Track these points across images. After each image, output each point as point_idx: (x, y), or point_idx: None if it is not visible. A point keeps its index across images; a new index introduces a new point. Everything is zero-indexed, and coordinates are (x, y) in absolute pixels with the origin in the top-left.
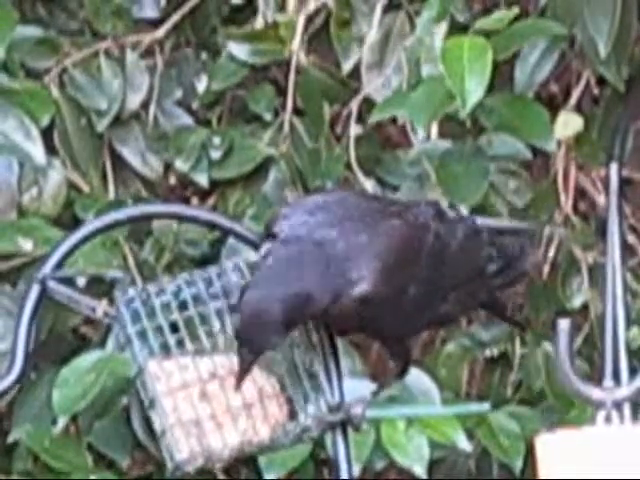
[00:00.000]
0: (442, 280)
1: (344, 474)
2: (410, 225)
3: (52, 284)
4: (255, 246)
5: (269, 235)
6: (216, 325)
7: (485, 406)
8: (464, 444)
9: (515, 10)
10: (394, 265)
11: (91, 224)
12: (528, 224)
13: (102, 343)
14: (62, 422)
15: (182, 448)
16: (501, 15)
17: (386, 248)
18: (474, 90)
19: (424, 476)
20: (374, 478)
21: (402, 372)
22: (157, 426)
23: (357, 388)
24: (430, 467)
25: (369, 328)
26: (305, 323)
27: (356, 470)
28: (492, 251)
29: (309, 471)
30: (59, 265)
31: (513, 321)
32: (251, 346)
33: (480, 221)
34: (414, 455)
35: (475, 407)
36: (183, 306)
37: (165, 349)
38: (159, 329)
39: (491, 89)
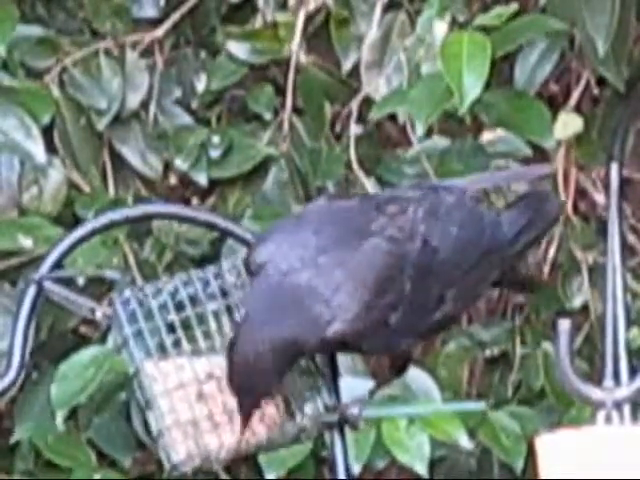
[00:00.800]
0: (433, 286)
1: (342, 474)
2: (393, 241)
3: (48, 284)
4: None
5: (248, 270)
6: (213, 326)
7: (482, 404)
8: (465, 442)
9: (514, 6)
10: (372, 297)
11: (88, 225)
12: (529, 169)
13: (102, 340)
14: (61, 416)
15: (179, 449)
16: (500, 11)
17: (362, 282)
18: (472, 86)
19: (425, 474)
20: (375, 477)
21: (400, 370)
22: (154, 427)
23: (356, 387)
24: (431, 466)
25: (358, 352)
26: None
27: (357, 469)
28: (501, 216)
29: (309, 470)
30: (57, 265)
31: (530, 281)
32: (248, 395)
33: (476, 185)
34: (415, 453)
35: (472, 405)
36: (180, 307)
37: (162, 350)
38: (156, 330)
39: (490, 86)
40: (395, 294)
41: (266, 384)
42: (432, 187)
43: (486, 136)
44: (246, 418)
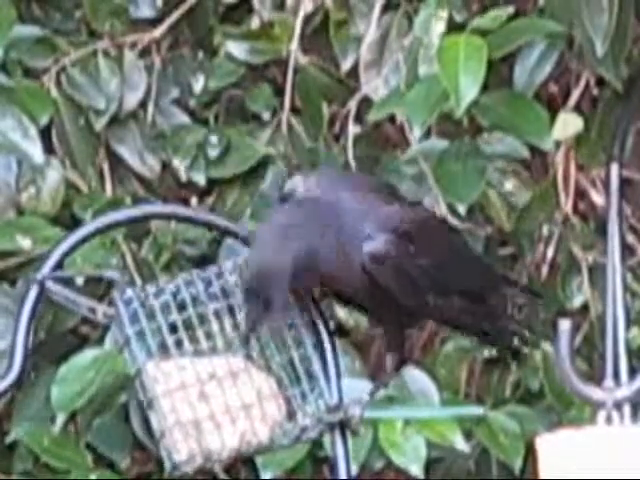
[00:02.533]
0: (449, 277)
1: (342, 474)
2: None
3: (50, 285)
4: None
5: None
6: (215, 326)
7: (480, 409)
8: (461, 445)
9: (511, 8)
10: (409, 233)
11: (89, 225)
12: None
13: (101, 341)
14: (61, 419)
15: (181, 449)
16: (497, 14)
17: (405, 216)
18: (469, 89)
19: (421, 476)
20: (373, 477)
21: (398, 366)
22: (156, 427)
23: (356, 388)
24: (429, 466)
25: (376, 299)
26: (312, 284)
27: (354, 469)
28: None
29: (307, 470)
30: (58, 266)
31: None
32: (258, 300)
33: None
34: (411, 455)
35: (472, 409)
36: (182, 307)
37: (164, 350)
38: (158, 330)
39: (488, 88)
40: (424, 251)
41: (279, 289)
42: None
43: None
44: (249, 330)
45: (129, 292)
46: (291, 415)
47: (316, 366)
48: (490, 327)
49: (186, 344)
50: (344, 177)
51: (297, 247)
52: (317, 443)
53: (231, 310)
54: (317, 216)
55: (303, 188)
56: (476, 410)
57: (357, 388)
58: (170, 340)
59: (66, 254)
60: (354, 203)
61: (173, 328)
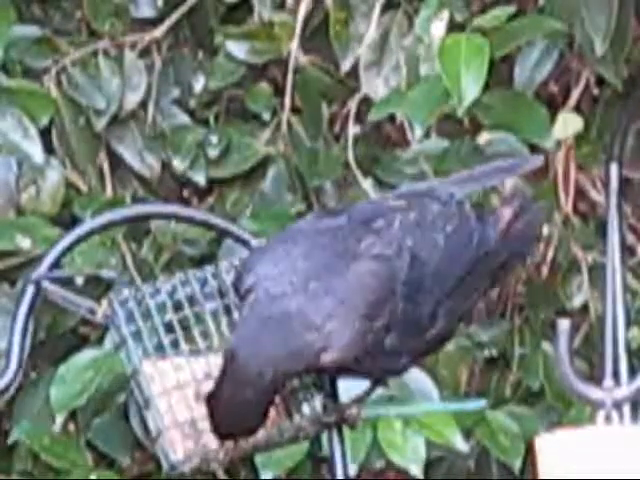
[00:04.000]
0: (425, 302)
1: (340, 474)
2: (382, 261)
3: (47, 284)
4: (250, 247)
5: (236, 290)
6: (211, 326)
7: (482, 402)
8: (461, 445)
9: (512, 7)
10: (366, 322)
11: (86, 225)
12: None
13: (100, 341)
14: (60, 419)
15: (177, 449)
16: (498, 13)
17: (354, 308)
18: (470, 88)
19: (420, 476)
20: (372, 477)
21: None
22: (152, 426)
23: (353, 387)
24: (429, 466)
25: (355, 375)
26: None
27: (354, 469)
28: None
29: (306, 470)
30: (55, 265)
31: None
32: (230, 437)
33: (466, 189)
34: (410, 455)
35: (472, 404)
36: (178, 306)
37: (160, 349)
38: (154, 329)
39: (488, 87)
40: (388, 316)
41: (249, 428)
42: (417, 194)
43: (484, 137)
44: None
45: (125, 292)
46: (288, 414)
47: None
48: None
49: (182, 344)
50: (286, 261)
51: (260, 372)
52: (317, 443)
53: (228, 310)
54: (273, 329)
55: (256, 283)
56: (477, 403)
57: (354, 387)
58: (166, 340)
59: (63, 254)
60: (304, 310)
61: (169, 328)
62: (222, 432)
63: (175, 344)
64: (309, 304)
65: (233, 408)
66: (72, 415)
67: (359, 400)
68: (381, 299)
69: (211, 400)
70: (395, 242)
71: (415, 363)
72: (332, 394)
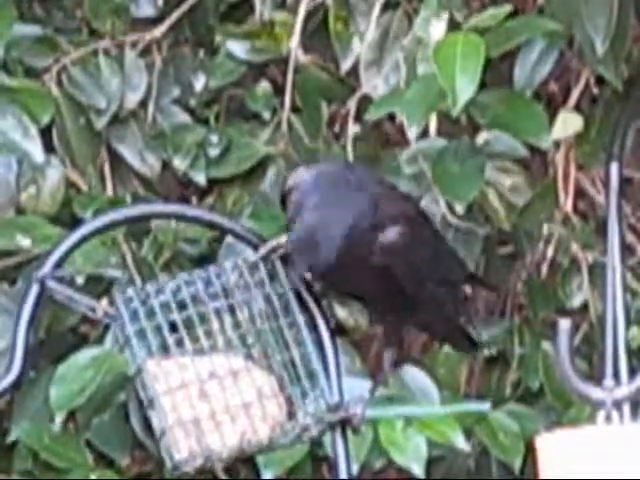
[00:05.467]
0: (440, 266)
1: (343, 473)
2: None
3: (51, 284)
4: (254, 246)
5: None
6: (215, 325)
7: (485, 405)
8: (462, 444)
9: (509, 6)
10: (413, 224)
11: (90, 224)
12: None
13: (101, 340)
14: (59, 418)
15: (181, 448)
16: (495, 12)
17: (409, 208)
18: (465, 87)
19: (422, 475)
20: (373, 477)
21: (396, 362)
22: (156, 426)
23: (356, 387)
24: (430, 465)
25: (379, 288)
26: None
27: (355, 469)
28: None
29: (307, 469)
30: (58, 265)
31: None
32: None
33: None
34: (412, 454)
35: (475, 406)
36: (182, 306)
37: (164, 349)
38: (158, 329)
39: (487, 86)
40: (425, 242)
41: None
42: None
43: (482, 136)
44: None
45: (129, 291)
46: (292, 414)
47: (317, 365)
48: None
49: (187, 343)
50: (346, 169)
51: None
52: (317, 442)
53: (231, 309)
54: (347, 197)
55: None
56: (481, 406)
57: (357, 387)
58: (170, 339)
59: (67, 253)
60: (362, 192)
61: (173, 327)
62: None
63: (179, 343)
64: (364, 191)
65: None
66: (72, 414)
67: (362, 399)
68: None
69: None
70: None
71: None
72: (336, 394)
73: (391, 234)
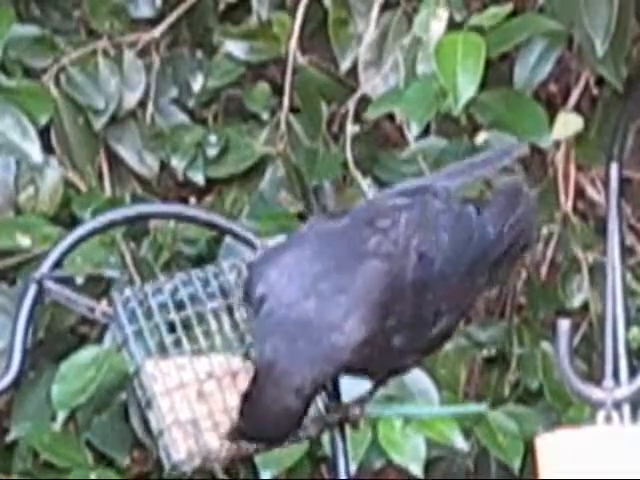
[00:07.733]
0: (430, 301)
1: (342, 473)
2: (389, 259)
3: (49, 284)
4: (253, 246)
5: (247, 297)
6: (213, 325)
7: (482, 406)
8: (461, 444)
9: (509, 6)
10: (378, 321)
11: (88, 224)
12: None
13: (100, 339)
14: (61, 417)
15: (179, 448)
16: (495, 11)
17: (367, 306)
18: (466, 87)
19: (420, 475)
20: (372, 477)
21: None
22: (154, 426)
23: (355, 387)
24: (428, 465)
25: (362, 375)
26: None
27: (353, 468)
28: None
29: (306, 469)
30: (56, 265)
31: None
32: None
33: (459, 181)
34: (411, 454)
35: (473, 407)
36: (180, 306)
37: (162, 349)
38: (156, 329)
39: (487, 86)
40: (397, 315)
41: (285, 433)
42: (419, 191)
43: (482, 136)
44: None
45: (127, 291)
46: None
47: None
48: None
49: (185, 343)
50: (295, 267)
51: (300, 384)
52: (316, 442)
53: (230, 309)
54: (295, 335)
55: (267, 291)
56: (477, 407)
57: (356, 387)
58: (168, 339)
59: (65, 253)
60: (316, 312)
61: (171, 327)
62: (255, 438)
63: (177, 344)
64: (324, 305)
65: (273, 416)
66: (72, 414)
67: (362, 400)
68: (391, 298)
69: (247, 409)
70: (401, 240)
71: (418, 363)
72: (335, 394)
73: (350, 354)
